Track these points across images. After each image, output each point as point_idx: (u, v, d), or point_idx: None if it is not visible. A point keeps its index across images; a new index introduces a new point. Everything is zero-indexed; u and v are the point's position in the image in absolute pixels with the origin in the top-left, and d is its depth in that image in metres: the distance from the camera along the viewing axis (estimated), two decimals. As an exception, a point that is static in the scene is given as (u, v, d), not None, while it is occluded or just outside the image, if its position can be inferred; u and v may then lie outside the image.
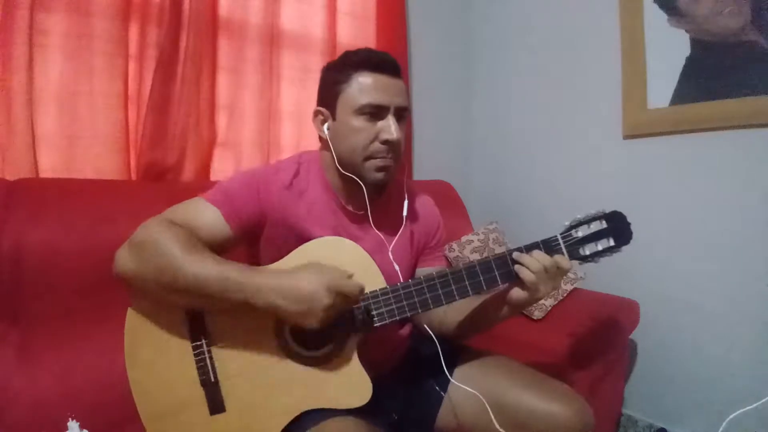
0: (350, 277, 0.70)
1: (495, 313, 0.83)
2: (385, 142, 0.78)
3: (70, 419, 0.67)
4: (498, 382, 0.82)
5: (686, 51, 1.37)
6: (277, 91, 1.47)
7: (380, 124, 0.78)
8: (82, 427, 0.67)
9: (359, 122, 0.78)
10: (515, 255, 0.76)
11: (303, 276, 0.68)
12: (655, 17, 1.42)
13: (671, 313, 1.44)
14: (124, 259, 0.70)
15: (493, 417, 0.76)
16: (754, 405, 0.74)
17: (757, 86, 1.24)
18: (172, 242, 0.68)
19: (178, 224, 0.72)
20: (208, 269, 0.67)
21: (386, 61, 0.79)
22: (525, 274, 0.74)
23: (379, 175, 0.80)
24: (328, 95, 0.81)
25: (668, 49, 1.40)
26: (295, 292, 0.66)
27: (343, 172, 0.80)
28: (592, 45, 1.61)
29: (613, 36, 1.52)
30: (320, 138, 0.85)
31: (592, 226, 0.78)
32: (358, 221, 0.85)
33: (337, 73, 0.80)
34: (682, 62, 1.38)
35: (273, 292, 0.66)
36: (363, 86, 0.77)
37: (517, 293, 0.76)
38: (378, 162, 0.79)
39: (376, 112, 0.77)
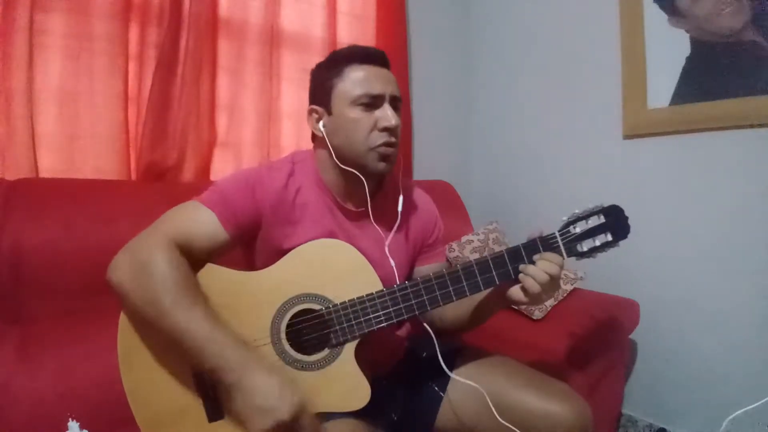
0: (314, 420, 0.68)
1: (495, 307, 0.84)
2: (384, 130, 0.78)
3: (70, 419, 0.67)
4: (497, 382, 0.82)
5: (686, 51, 1.37)
6: (277, 91, 1.47)
7: (377, 113, 0.78)
8: (82, 427, 0.66)
9: (356, 113, 0.78)
10: (521, 267, 0.75)
11: (279, 388, 0.64)
12: (655, 17, 1.42)
13: (671, 313, 1.44)
14: (119, 271, 0.70)
15: (494, 410, 0.76)
16: (755, 405, 0.74)
17: (757, 86, 1.24)
18: (168, 279, 0.67)
19: (180, 244, 0.72)
20: (193, 324, 0.65)
21: (375, 52, 0.81)
22: (530, 284, 0.73)
23: (382, 165, 0.79)
24: (321, 93, 0.81)
25: (668, 49, 1.40)
26: (260, 395, 0.64)
27: (343, 167, 0.79)
28: (592, 45, 1.61)
29: (613, 36, 1.52)
30: (314, 137, 0.85)
31: (590, 221, 0.78)
32: (355, 219, 0.85)
33: (327, 70, 0.81)
34: (682, 62, 1.38)
35: (243, 381, 0.64)
36: (356, 78, 0.78)
37: (517, 295, 0.76)
38: (381, 150, 0.78)
39: (372, 102, 0.78)
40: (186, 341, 0.65)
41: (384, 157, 0.79)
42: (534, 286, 0.72)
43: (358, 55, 0.79)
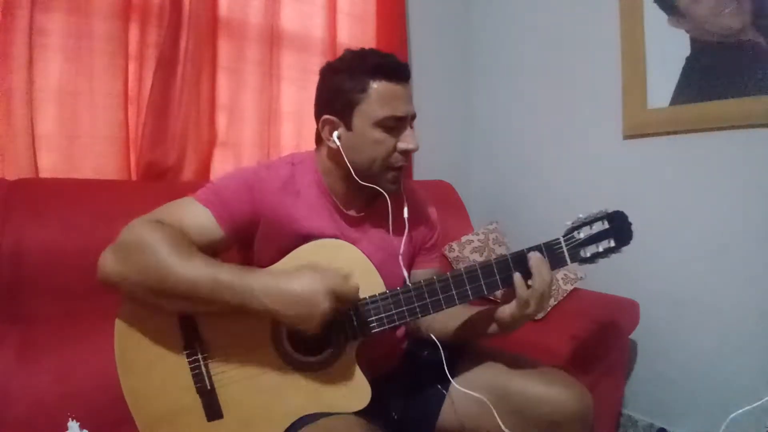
0: (347, 277, 0.68)
1: (482, 329, 0.82)
2: (404, 152, 0.79)
3: (70, 419, 0.67)
4: (500, 374, 0.82)
5: (686, 51, 1.37)
6: (277, 91, 1.47)
7: (399, 134, 0.78)
8: (82, 427, 0.67)
9: (379, 134, 0.77)
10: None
11: (299, 278, 0.65)
12: (655, 17, 1.42)
13: (671, 313, 1.44)
14: (108, 262, 0.67)
15: (498, 419, 0.76)
16: (755, 405, 0.74)
17: (757, 86, 1.24)
18: (159, 241, 0.65)
19: (166, 223, 0.70)
20: (197, 270, 0.64)
21: (400, 68, 0.77)
22: (519, 284, 0.73)
23: (392, 187, 0.81)
24: (340, 104, 0.77)
25: (668, 49, 1.40)
26: (291, 295, 0.64)
27: (363, 183, 0.79)
28: (592, 45, 1.61)
29: (613, 36, 1.53)
30: (318, 140, 0.85)
31: (594, 226, 0.78)
32: (355, 224, 0.85)
33: (349, 79, 0.76)
34: (682, 62, 1.38)
35: (268, 296, 0.64)
36: (382, 97, 0.75)
37: (502, 310, 0.75)
38: (395, 174, 0.80)
39: (395, 125, 0.77)
40: (199, 289, 0.64)
41: (395, 180, 0.81)
42: (523, 290, 0.73)
43: (384, 70, 0.75)
